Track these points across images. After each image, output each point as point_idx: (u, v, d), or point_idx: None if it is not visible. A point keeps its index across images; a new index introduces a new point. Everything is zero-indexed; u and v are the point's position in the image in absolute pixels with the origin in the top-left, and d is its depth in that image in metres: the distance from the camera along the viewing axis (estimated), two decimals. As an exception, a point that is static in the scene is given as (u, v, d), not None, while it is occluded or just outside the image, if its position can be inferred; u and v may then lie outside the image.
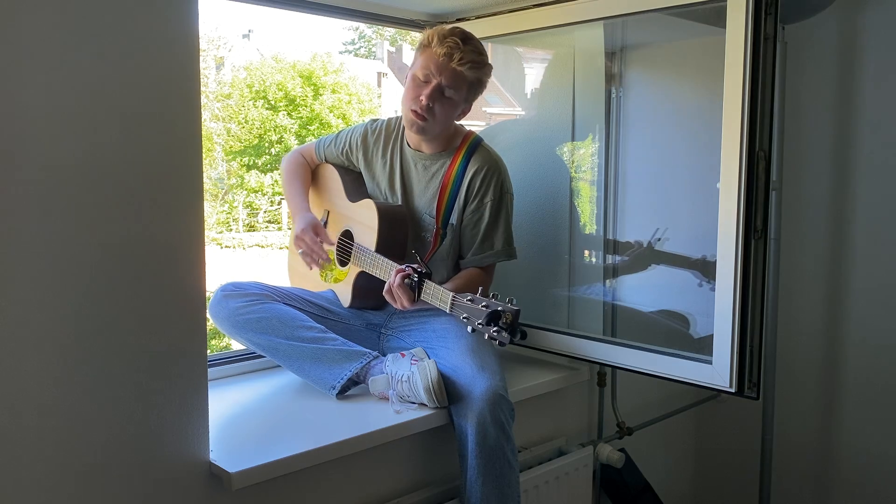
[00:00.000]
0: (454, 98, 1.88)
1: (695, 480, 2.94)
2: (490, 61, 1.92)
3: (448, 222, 1.97)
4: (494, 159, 1.99)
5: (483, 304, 1.58)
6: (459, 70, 1.84)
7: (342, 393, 1.81)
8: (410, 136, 2.00)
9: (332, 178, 2.14)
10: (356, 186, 2.10)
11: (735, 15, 1.64)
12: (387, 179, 2.04)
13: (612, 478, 2.36)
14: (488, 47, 2.50)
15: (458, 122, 2.07)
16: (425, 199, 1.99)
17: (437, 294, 1.70)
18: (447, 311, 1.67)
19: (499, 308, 1.55)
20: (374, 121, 2.11)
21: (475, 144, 2.00)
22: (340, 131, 2.15)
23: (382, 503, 1.76)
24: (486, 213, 1.96)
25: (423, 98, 1.85)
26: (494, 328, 1.55)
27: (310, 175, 2.20)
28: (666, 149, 2.26)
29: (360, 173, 2.12)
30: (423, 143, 1.99)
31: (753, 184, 1.66)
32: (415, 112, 1.88)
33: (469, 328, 1.60)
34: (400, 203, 2.01)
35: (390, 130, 2.06)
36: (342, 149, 2.12)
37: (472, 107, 1.99)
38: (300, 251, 1.98)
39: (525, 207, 2.23)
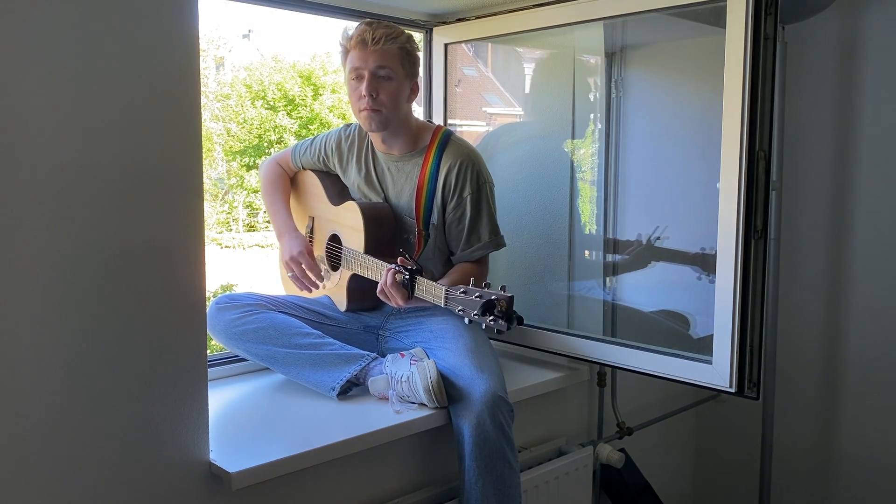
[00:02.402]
0: (392, 76, 1.86)
1: (695, 480, 2.94)
2: (407, 31, 1.91)
3: (429, 222, 1.96)
4: (467, 151, 1.96)
5: (476, 294, 1.59)
6: (379, 48, 1.83)
7: (342, 394, 1.81)
8: (377, 140, 1.99)
9: (313, 183, 2.14)
10: (338, 190, 2.10)
11: (735, 15, 1.64)
12: (364, 185, 2.03)
13: (612, 478, 2.36)
14: (488, 47, 2.51)
15: (426, 121, 2.06)
16: (403, 202, 1.98)
17: (431, 289, 1.70)
18: (442, 305, 1.67)
19: (492, 297, 1.55)
20: (348, 126, 2.10)
21: (445, 140, 1.97)
22: (315, 137, 2.14)
23: (382, 503, 1.76)
24: (468, 207, 1.95)
25: (363, 92, 1.85)
26: (490, 317, 1.55)
27: (289, 186, 2.19)
28: (666, 149, 2.27)
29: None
30: (391, 142, 1.97)
31: (753, 184, 1.66)
32: (364, 110, 1.87)
33: (465, 320, 1.60)
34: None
35: (363, 135, 2.05)
36: (318, 156, 2.11)
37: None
38: (290, 275, 1.99)
39: (525, 207, 2.23)
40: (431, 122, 2.06)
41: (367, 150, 2.04)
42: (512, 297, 1.55)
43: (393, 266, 1.77)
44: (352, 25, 1.91)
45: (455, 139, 1.99)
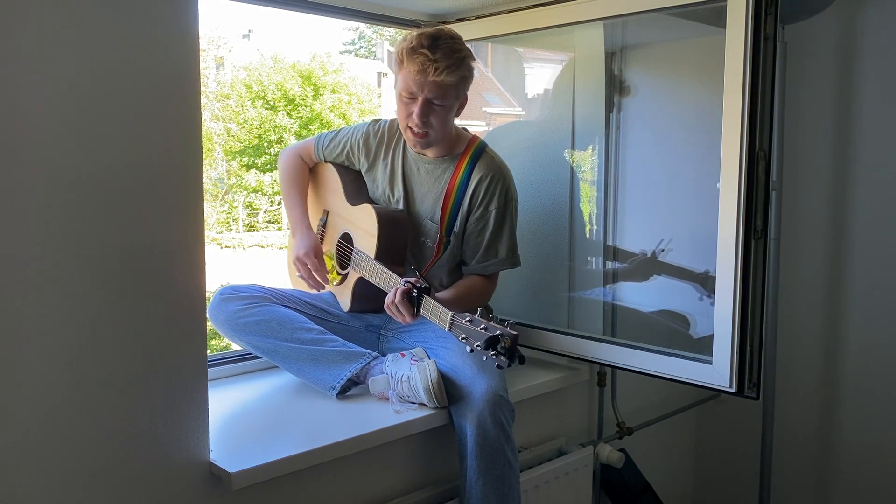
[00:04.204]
0: (446, 104, 1.84)
1: (695, 480, 2.94)
2: (468, 48, 1.85)
3: (452, 229, 1.95)
4: (499, 166, 1.96)
5: (482, 326, 1.57)
6: (439, 80, 1.78)
7: (342, 393, 1.81)
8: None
9: (332, 177, 2.12)
10: (356, 188, 2.09)
11: (735, 15, 1.64)
12: (388, 182, 2.02)
13: (612, 478, 2.36)
14: (488, 47, 2.50)
15: (461, 126, 2.05)
16: (427, 204, 1.97)
17: (437, 312, 1.69)
18: (446, 330, 1.66)
19: (497, 332, 1.54)
20: (377, 121, 2.07)
21: (479, 150, 1.97)
22: (340, 130, 2.12)
23: (382, 503, 1.76)
24: (491, 221, 1.94)
25: (415, 116, 1.82)
26: (492, 352, 1.54)
27: (308, 180, 2.17)
28: (666, 149, 2.26)
29: (360, 173, 2.11)
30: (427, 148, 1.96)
31: (753, 184, 1.66)
32: (412, 131, 1.86)
33: (468, 348, 1.59)
34: (401, 208, 1.99)
35: (393, 132, 2.03)
36: (342, 150, 2.09)
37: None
38: (298, 274, 1.97)
39: (525, 209, 2.23)
40: (468, 132, 2.05)
41: (396, 146, 2.02)
42: (517, 336, 1.55)
43: (403, 284, 1.76)
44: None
45: (489, 151, 1.98)
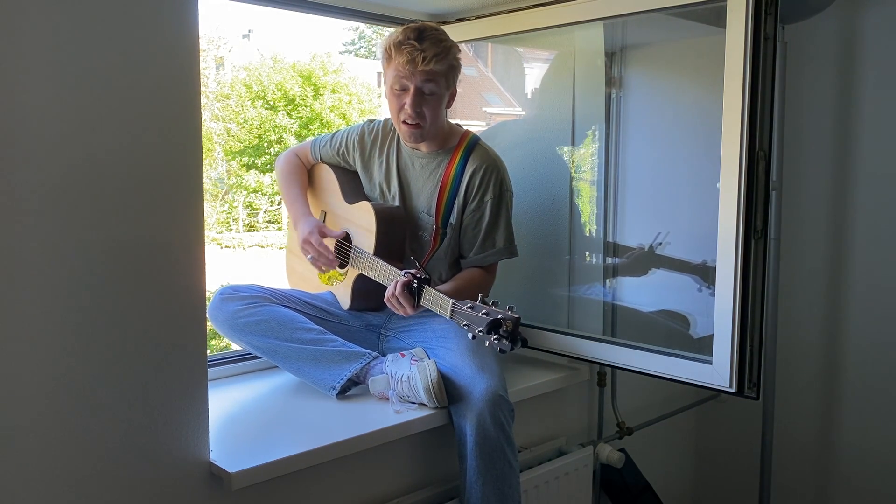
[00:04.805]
0: (436, 92, 1.87)
1: (695, 480, 2.94)
2: (453, 40, 1.90)
3: (448, 222, 1.97)
4: (493, 157, 1.99)
5: (483, 311, 1.58)
6: (428, 69, 1.82)
7: (342, 393, 1.81)
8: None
9: (329, 178, 2.13)
10: (353, 187, 2.10)
11: (735, 15, 1.64)
12: (384, 178, 2.03)
13: (612, 478, 2.36)
14: (488, 47, 2.51)
15: (454, 122, 2.07)
16: (423, 198, 1.99)
17: (437, 300, 1.70)
18: (447, 318, 1.67)
19: (499, 316, 1.55)
20: (371, 121, 2.10)
21: (473, 143, 2.00)
22: (336, 132, 2.14)
23: (382, 503, 1.76)
24: (487, 211, 1.96)
25: (407, 106, 1.86)
26: (495, 336, 1.55)
27: (307, 178, 2.19)
28: (666, 149, 2.26)
29: (357, 173, 2.11)
30: (421, 142, 1.98)
31: (753, 184, 1.66)
32: (406, 123, 1.89)
33: (470, 335, 1.60)
34: (397, 203, 2.01)
35: (387, 130, 2.06)
36: (338, 149, 2.11)
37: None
38: (309, 257, 1.98)
39: (524, 208, 2.23)
40: (460, 127, 2.07)
41: (391, 143, 2.04)
42: (519, 318, 1.55)
43: (403, 275, 1.77)
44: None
45: (482, 144, 2.01)
